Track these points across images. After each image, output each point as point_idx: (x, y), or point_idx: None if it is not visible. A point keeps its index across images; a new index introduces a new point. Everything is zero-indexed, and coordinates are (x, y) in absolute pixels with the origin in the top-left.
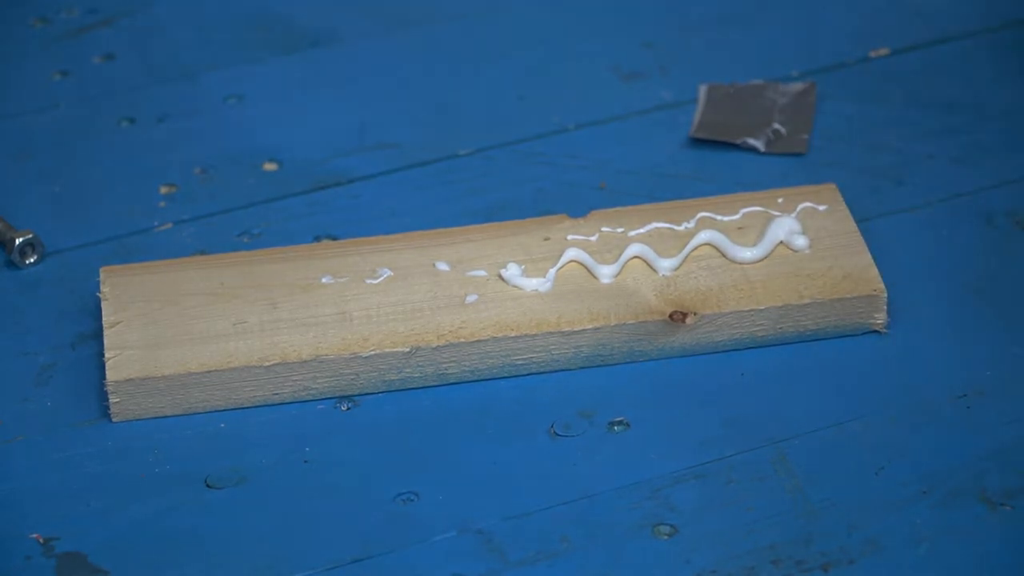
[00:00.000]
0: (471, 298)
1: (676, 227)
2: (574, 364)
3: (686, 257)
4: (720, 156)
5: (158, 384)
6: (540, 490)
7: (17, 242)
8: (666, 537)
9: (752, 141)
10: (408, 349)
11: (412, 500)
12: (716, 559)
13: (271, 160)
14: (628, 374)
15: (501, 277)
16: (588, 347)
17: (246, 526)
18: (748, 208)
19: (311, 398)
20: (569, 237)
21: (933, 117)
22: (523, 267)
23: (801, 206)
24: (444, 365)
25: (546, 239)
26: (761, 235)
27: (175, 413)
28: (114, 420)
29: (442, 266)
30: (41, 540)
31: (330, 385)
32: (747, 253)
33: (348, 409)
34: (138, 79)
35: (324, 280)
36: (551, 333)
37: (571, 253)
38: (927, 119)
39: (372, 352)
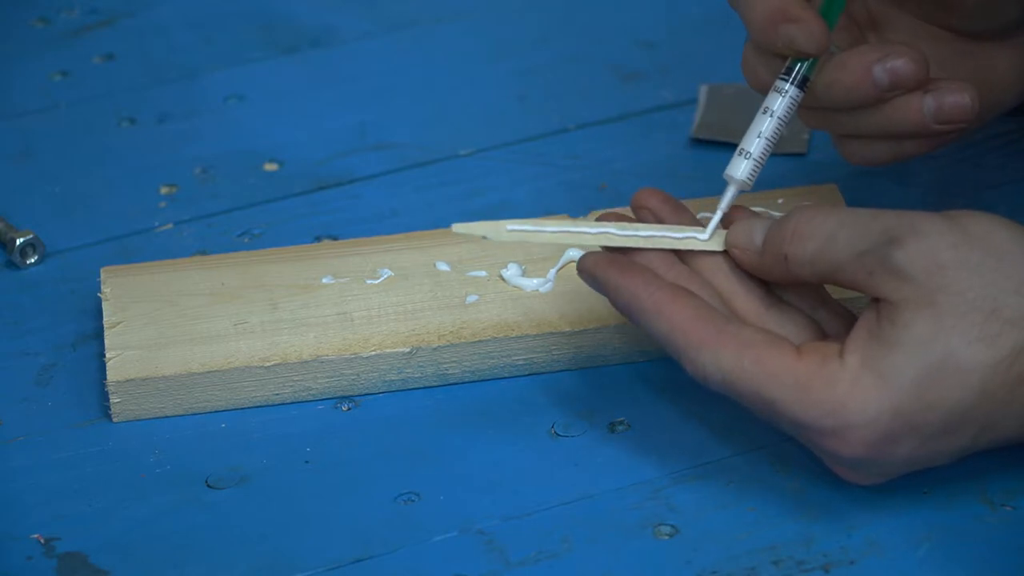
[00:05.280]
0: (471, 298)
1: None
2: (575, 364)
3: None
4: (720, 156)
5: (159, 384)
6: (541, 490)
7: (18, 242)
8: (667, 537)
9: None
10: (409, 349)
11: (413, 500)
12: (717, 559)
13: (272, 160)
14: (628, 374)
15: (502, 277)
16: (589, 347)
17: (246, 526)
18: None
19: (312, 398)
20: None
21: None
22: (524, 267)
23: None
24: (444, 365)
25: None
26: None
27: (176, 413)
28: (115, 420)
29: (443, 266)
30: (42, 540)
31: (331, 385)
32: None
33: (349, 409)
34: (138, 79)
35: (325, 280)
36: (552, 333)
37: (571, 253)
38: None
39: (373, 352)
